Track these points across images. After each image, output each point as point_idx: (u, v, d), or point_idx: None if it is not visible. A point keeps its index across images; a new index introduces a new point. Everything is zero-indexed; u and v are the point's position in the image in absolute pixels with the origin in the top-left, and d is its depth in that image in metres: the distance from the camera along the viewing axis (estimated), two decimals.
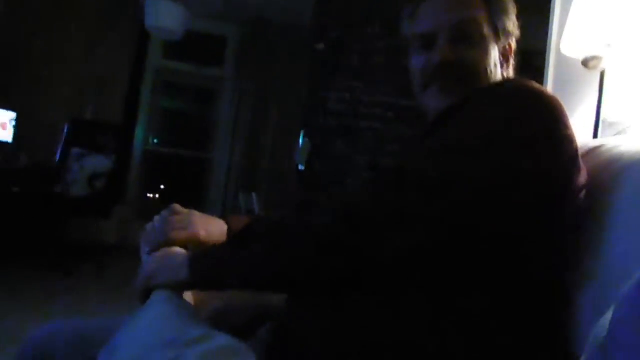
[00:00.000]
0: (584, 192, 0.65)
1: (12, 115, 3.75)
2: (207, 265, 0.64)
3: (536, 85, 0.67)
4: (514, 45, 0.80)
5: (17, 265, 3.09)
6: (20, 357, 0.70)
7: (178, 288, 0.65)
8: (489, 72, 0.74)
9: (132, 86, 4.38)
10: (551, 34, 1.56)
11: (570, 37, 1.24)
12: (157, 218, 0.76)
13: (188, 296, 0.74)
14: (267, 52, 4.49)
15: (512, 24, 0.78)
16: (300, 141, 3.22)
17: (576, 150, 0.64)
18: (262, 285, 0.64)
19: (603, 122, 1.30)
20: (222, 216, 0.79)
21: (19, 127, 3.79)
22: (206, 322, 0.60)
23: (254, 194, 3.25)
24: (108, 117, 4.20)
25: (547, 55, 1.53)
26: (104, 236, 4.05)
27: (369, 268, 0.57)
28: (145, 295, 0.64)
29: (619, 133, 1.24)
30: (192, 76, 4.75)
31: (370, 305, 0.58)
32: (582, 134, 1.35)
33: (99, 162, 3.58)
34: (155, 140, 4.84)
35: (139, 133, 4.52)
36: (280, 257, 0.59)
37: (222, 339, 0.47)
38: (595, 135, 1.31)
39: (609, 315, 0.35)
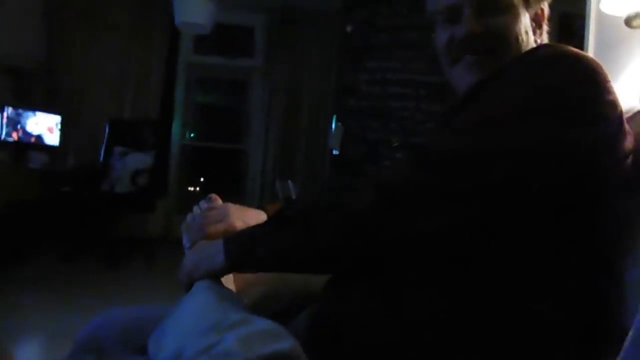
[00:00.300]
0: (630, 158, 0.62)
1: (57, 118, 3.93)
2: (242, 247, 0.64)
3: (573, 49, 0.63)
4: (546, 9, 0.76)
5: (69, 261, 3.27)
6: (76, 345, 0.74)
7: (217, 275, 0.66)
8: (520, 40, 0.70)
9: (167, 83, 4.48)
10: None
11: None
12: (196, 208, 0.78)
13: (230, 283, 0.76)
14: (295, 38, 4.48)
15: None
16: (333, 126, 3.21)
17: (620, 115, 0.61)
18: (299, 266, 0.65)
19: None
20: (260, 206, 0.80)
21: (65, 130, 3.97)
22: (247, 307, 0.61)
23: (290, 182, 3.28)
24: (146, 115, 4.33)
25: (587, 16, 1.44)
26: (150, 229, 4.21)
27: (408, 247, 0.57)
28: (189, 287, 0.66)
29: None
30: (223, 69, 4.81)
31: (407, 288, 0.58)
32: (628, 97, 1.28)
33: (140, 159, 3.71)
34: (192, 135, 4.95)
35: (175, 128, 4.63)
36: (318, 237, 0.59)
37: (262, 323, 0.48)
38: None
39: None
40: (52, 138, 3.91)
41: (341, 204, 0.60)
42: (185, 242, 0.75)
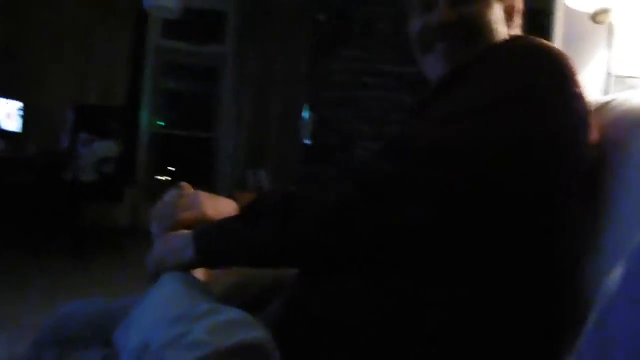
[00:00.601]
0: (595, 150, 0.64)
1: (18, 104, 3.77)
2: (212, 242, 0.63)
3: (544, 42, 0.65)
4: (519, 3, 0.77)
5: (33, 252, 3.16)
6: (39, 339, 0.72)
7: (186, 268, 0.65)
8: (492, 30, 0.71)
9: (134, 68, 4.35)
10: None
11: None
12: (165, 196, 0.76)
13: (199, 272, 0.75)
14: (267, 25, 4.42)
15: None
16: (305, 114, 3.20)
17: (587, 108, 0.63)
18: (272, 261, 0.64)
19: (613, 77, 1.27)
20: (230, 195, 0.78)
21: (26, 116, 3.82)
22: (217, 297, 0.60)
23: (261, 170, 3.26)
24: (112, 101, 4.20)
25: (554, 10, 1.48)
26: (117, 219, 4.11)
27: (383, 239, 0.57)
28: (157, 276, 0.65)
29: (629, 87, 1.21)
30: (193, 55, 4.71)
31: (383, 277, 0.58)
32: (592, 90, 1.32)
33: (107, 147, 3.60)
34: (161, 122, 4.84)
35: (144, 116, 4.52)
36: (293, 231, 0.59)
37: (232, 312, 0.48)
38: (606, 91, 1.28)
39: (618, 270, 0.35)
40: (12, 124, 3.76)
41: (316, 196, 0.60)
42: (154, 230, 0.73)
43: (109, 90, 4.24)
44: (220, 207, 0.72)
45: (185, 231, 0.68)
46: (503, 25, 0.73)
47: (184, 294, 0.56)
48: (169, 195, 0.75)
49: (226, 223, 0.65)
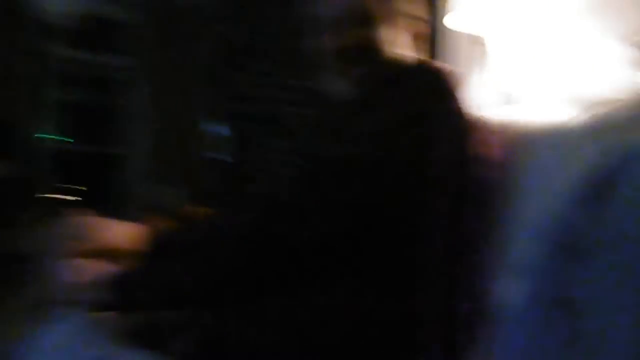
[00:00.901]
0: (483, 165, 0.70)
1: None
2: (128, 289, 0.62)
3: (432, 65, 0.71)
4: (419, 26, 0.82)
5: None
6: None
7: (93, 310, 0.62)
8: (389, 52, 0.76)
9: (29, 81, 4.01)
10: (439, 9, 1.56)
11: (456, 11, 1.31)
12: (65, 225, 0.72)
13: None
14: (175, 36, 4.29)
15: (414, 6, 0.81)
16: (215, 130, 3.15)
17: (470, 123, 0.69)
18: (191, 302, 0.63)
19: (496, 93, 1.40)
20: (137, 217, 0.76)
21: None
22: (119, 338, 0.58)
23: (170, 188, 3.14)
24: (4, 116, 3.82)
25: (436, 30, 1.54)
26: (9, 247, 3.73)
27: (294, 258, 0.58)
28: (49, 309, 0.61)
29: (511, 103, 1.34)
30: (99, 66, 4.43)
31: (293, 305, 0.59)
32: (476, 106, 1.44)
33: None
34: (62, 138, 4.49)
35: (43, 132, 4.16)
36: (209, 271, 0.59)
37: (129, 356, 0.46)
38: (493, 107, 1.41)
39: (515, 290, 0.37)
40: None
41: (228, 225, 0.60)
42: (52, 260, 0.69)
43: (2, 105, 3.86)
44: (122, 233, 0.70)
45: (91, 263, 0.65)
46: (403, 47, 0.78)
47: (82, 337, 0.53)
48: (69, 224, 0.71)
49: (142, 270, 0.64)
